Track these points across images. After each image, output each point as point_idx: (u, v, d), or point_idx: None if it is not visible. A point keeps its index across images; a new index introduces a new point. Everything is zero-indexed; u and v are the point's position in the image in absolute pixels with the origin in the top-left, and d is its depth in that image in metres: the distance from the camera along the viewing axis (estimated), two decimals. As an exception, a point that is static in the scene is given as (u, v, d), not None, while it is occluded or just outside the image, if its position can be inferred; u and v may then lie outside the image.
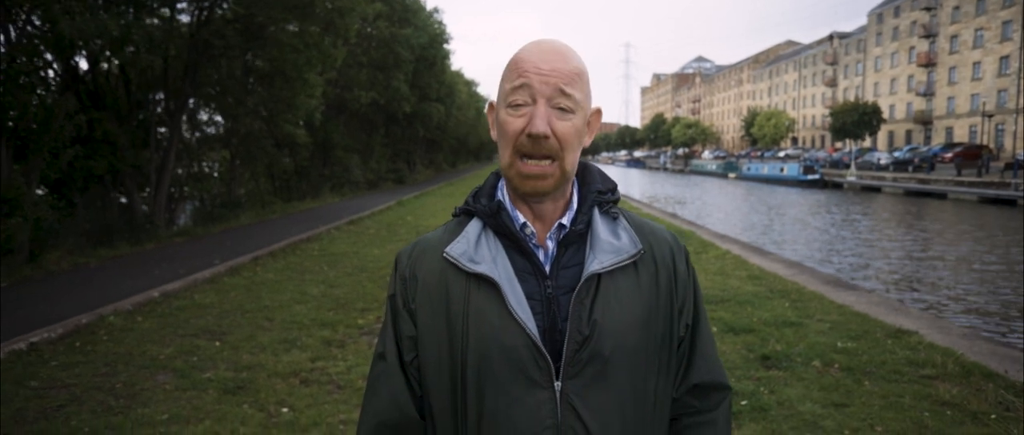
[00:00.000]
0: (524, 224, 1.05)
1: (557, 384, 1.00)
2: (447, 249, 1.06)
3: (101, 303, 6.78)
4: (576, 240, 1.06)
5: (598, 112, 1.10)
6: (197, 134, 18.96)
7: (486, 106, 1.09)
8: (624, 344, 1.02)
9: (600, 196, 1.10)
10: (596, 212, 1.09)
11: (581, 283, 1.02)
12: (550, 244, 1.06)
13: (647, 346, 1.05)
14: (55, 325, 5.83)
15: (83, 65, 12.41)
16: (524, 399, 1.00)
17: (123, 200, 14.07)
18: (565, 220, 1.06)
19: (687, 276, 1.13)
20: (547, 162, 1.02)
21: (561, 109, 1.01)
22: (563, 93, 1.01)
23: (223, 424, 3.91)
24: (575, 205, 1.09)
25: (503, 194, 1.09)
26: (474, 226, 1.08)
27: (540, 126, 0.99)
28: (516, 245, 1.05)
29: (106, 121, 12.11)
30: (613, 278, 1.04)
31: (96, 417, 4.02)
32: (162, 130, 15.01)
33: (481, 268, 1.02)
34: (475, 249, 1.04)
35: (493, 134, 1.09)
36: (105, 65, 13.42)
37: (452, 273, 1.05)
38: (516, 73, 1.02)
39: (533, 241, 1.06)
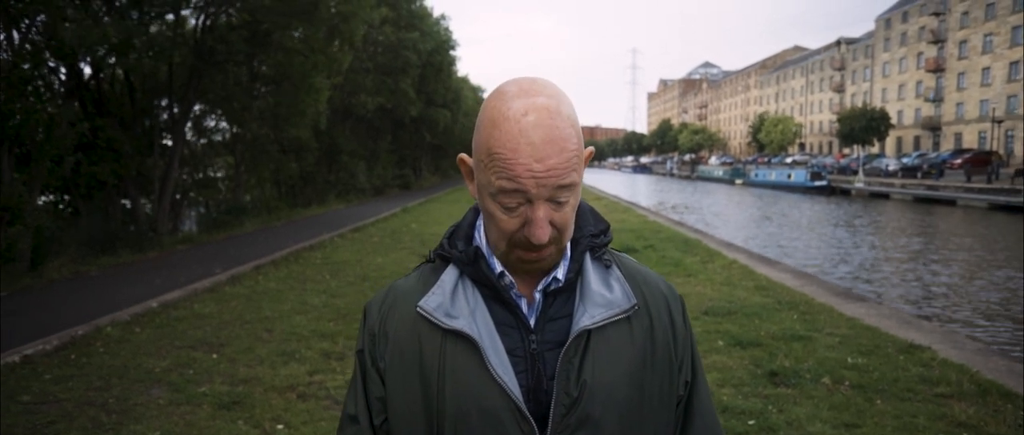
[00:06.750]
0: (502, 272, 0.95)
1: None
2: (421, 302, 0.95)
3: (99, 313, 6.71)
4: (565, 289, 0.96)
5: (590, 153, 0.97)
6: (203, 140, 18.98)
7: (457, 159, 0.96)
8: (616, 405, 0.92)
9: (593, 240, 0.99)
10: (588, 258, 0.98)
11: (570, 340, 0.92)
12: (536, 295, 0.96)
13: (641, 407, 0.95)
14: (50, 337, 5.74)
15: (87, 71, 12.41)
16: None
17: (127, 204, 14.05)
18: (559, 274, 0.96)
19: (685, 330, 1.03)
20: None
21: (559, 201, 0.89)
22: (562, 187, 0.88)
23: (215, 442, 3.82)
24: (568, 254, 0.98)
25: (481, 237, 0.99)
26: (450, 274, 0.97)
27: (542, 236, 0.87)
28: (496, 295, 0.95)
29: (110, 128, 12.09)
30: (604, 333, 0.94)
31: None
32: (168, 137, 15.00)
33: (457, 324, 0.92)
34: (451, 301, 0.94)
35: (471, 190, 0.97)
36: (109, 71, 13.42)
37: (426, 328, 0.95)
38: (505, 172, 0.85)
39: (514, 291, 0.95)
